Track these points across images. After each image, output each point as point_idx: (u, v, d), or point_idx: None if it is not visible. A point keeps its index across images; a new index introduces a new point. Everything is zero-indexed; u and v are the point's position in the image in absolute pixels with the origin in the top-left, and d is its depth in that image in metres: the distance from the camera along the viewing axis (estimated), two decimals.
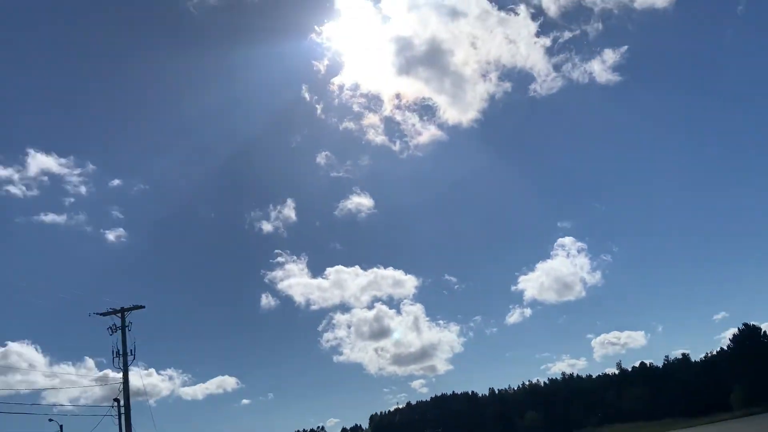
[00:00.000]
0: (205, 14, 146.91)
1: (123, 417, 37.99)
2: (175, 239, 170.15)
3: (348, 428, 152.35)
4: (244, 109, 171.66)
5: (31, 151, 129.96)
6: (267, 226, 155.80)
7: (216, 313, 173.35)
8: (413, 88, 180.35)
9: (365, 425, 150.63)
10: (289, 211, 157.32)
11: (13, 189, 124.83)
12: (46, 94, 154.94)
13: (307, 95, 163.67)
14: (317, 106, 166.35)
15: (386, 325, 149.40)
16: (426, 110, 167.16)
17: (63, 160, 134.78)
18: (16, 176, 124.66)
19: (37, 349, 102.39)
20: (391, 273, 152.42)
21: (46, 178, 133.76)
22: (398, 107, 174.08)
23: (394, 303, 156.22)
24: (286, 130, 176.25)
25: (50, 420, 46.10)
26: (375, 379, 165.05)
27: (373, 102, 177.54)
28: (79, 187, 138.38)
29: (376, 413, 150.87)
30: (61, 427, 47.42)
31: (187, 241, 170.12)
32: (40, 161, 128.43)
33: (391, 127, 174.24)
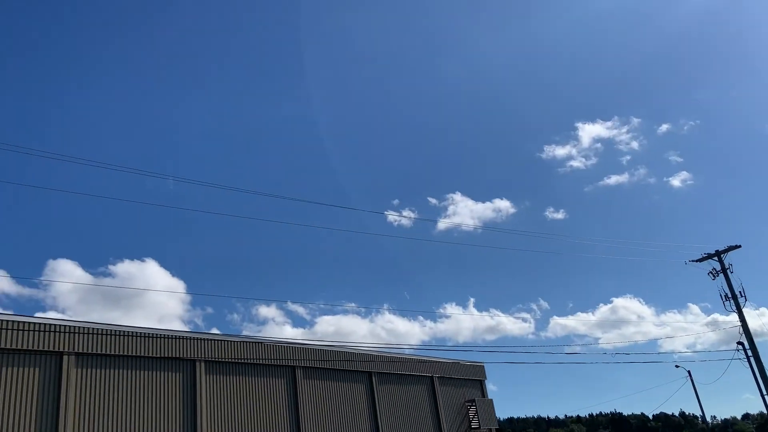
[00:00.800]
0: None
1: (752, 359, 36.40)
2: (744, 169, 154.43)
3: None
4: None
5: (580, 125, 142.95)
6: None
7: None
8: None
9: None
10: None
11: (575, 163, 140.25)
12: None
13: None
14: None
15: None
16: None
17: (608, 123, 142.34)
18: (574, 151, 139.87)
19: (640, 302, 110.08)
20: None
21: (599, 145, 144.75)
22: None
23: None
24: None
25: (677, 366, 48.01)
26: None
27: None
28: (630, 144, 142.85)
29: None
30: (689, 372, 48.77)
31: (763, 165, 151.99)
32: (589, 131, 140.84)
33: None
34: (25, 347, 20.84)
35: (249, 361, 27.79)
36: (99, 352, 22.68)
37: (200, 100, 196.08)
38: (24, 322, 21.09)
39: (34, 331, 21.16)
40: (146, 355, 24.08)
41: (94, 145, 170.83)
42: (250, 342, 28.30)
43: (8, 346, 20.48)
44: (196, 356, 25.68)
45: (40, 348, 21.19)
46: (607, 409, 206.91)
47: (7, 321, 20.69)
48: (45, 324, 21.62)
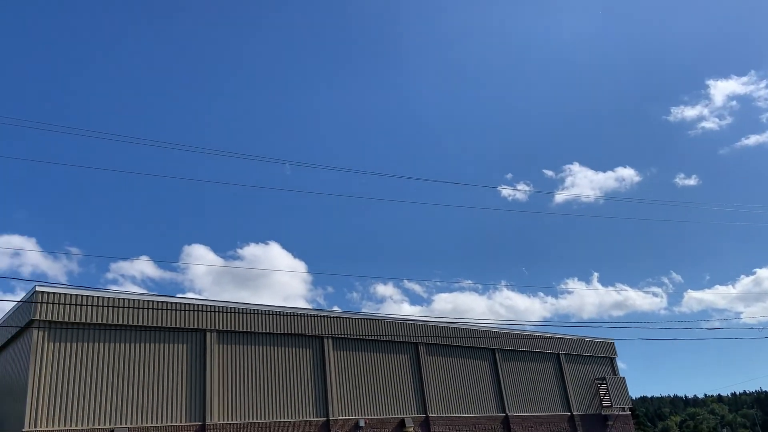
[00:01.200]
0: None
1: None
2: None
3: None
4: None
5: (711, 82, 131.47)
6: None
7: None
8: None
9: None
10: None
11: (707, 124, 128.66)
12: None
13: None
14: None
15: None
16: None
17: (744, 79, 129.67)
18: (705, 111, 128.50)
19: None
20: None
21: (734, 103, 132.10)
22: None
23: None
24: None
25: None
26: None
27: None
28: None
29: None
30: None
31: None
32: (722, 89, 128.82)
33: None
34: (174, 325, 23.12)
35: (373, 337, 28.86)
36: (237, 329, 24.63)
37: (310, 87, 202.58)
38: (172, 303, 23.38)
39: (181, 310, 23.40)
40: (278, 332, 25.79)
41: (215, 137, 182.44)
42: (373, 319, 29.35)
43: (160, 324, 22.84)
44: (323, 333, 27.12)
45: (187, 326, 23.40)
46: (751, 388, 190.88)
47: (158, 302, 23.06)
48: (190, 304, 23.82)
